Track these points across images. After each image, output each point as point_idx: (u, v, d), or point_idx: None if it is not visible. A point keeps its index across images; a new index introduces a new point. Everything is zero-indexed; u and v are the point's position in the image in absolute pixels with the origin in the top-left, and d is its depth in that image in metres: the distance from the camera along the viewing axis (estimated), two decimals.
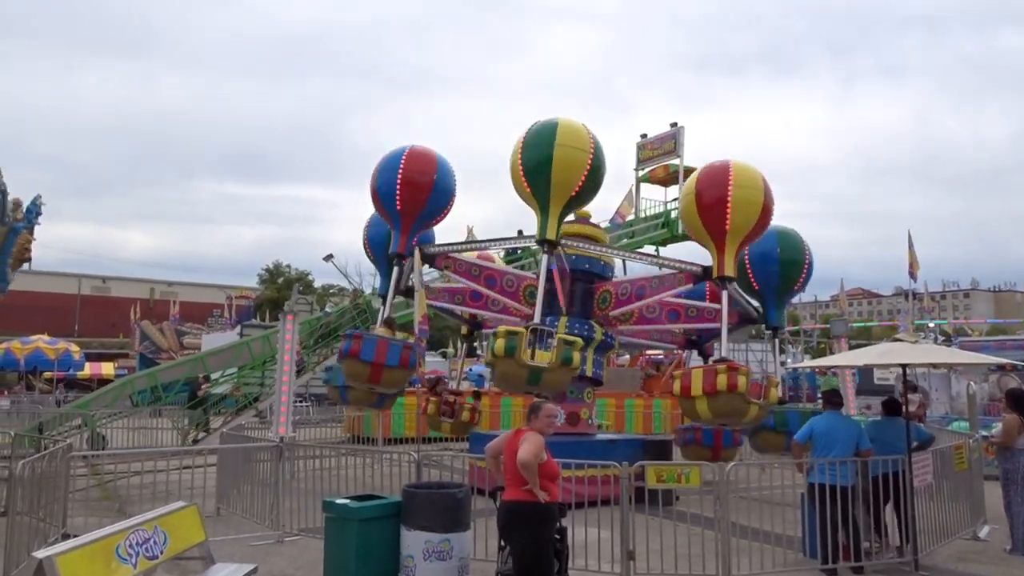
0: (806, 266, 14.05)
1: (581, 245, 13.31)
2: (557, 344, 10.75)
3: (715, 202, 11.53)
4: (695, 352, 15.74)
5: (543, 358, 10.59)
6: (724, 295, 11.86)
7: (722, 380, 10.42)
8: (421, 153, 13.06)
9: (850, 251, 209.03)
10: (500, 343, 10.53)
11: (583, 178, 11.83)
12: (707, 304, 13.94)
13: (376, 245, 14.85)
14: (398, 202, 12.80)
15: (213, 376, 21.05)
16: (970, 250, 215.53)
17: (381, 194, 12.97)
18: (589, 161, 11.83)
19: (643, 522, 7.88)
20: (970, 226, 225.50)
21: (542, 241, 12.18)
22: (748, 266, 13.76)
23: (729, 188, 11.49)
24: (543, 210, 12.09)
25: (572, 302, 13.41)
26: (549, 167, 11.66)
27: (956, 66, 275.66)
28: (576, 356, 10.91)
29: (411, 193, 12.77)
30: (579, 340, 11.35)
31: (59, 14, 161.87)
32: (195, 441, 17.49)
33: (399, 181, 12.73)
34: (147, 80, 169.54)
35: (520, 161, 12.00)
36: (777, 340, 14.40)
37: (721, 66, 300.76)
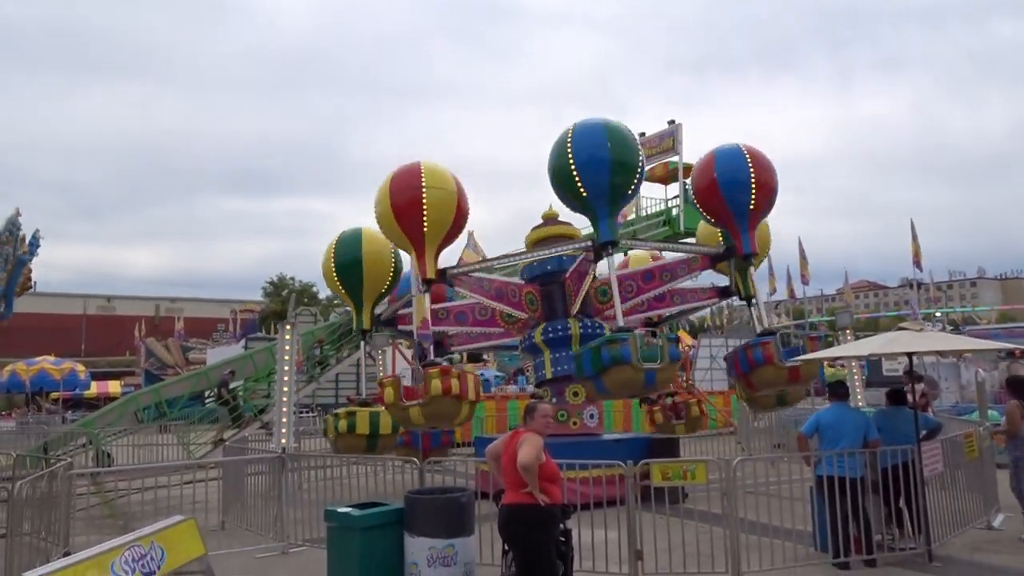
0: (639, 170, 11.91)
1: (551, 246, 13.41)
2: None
3: (409, 205, 11.91)
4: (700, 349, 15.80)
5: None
6: (426, 299, 12.42)
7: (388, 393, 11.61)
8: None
9: (855, 244, 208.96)
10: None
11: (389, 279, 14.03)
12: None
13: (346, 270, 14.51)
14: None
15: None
16: (975, 239, 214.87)
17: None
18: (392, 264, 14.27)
19: (651, 521, 7.78)
20: (974, 215, 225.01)
21: (361, 331, 14.60)
22: (574, 168, 11.70)
23: (423, 190, 11.85)
24: (357, 307, 14.32)
25: (574, 303, 13.42)
26: (360, 268, 13.94)
27: (954, 58, 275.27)
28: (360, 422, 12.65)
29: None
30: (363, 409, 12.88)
31: (60, 39, 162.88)
32: (222, 440, 17.56)
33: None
34: (149, 100, 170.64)
35: (332, 264, 14.13)
36: (611, 257, 12.31)
37: (719, 66, 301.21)
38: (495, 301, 13.74)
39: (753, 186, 12.62)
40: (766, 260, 15.69)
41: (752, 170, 12.64)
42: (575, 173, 11.55)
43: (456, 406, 11.18)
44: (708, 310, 27.66)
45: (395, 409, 11.47)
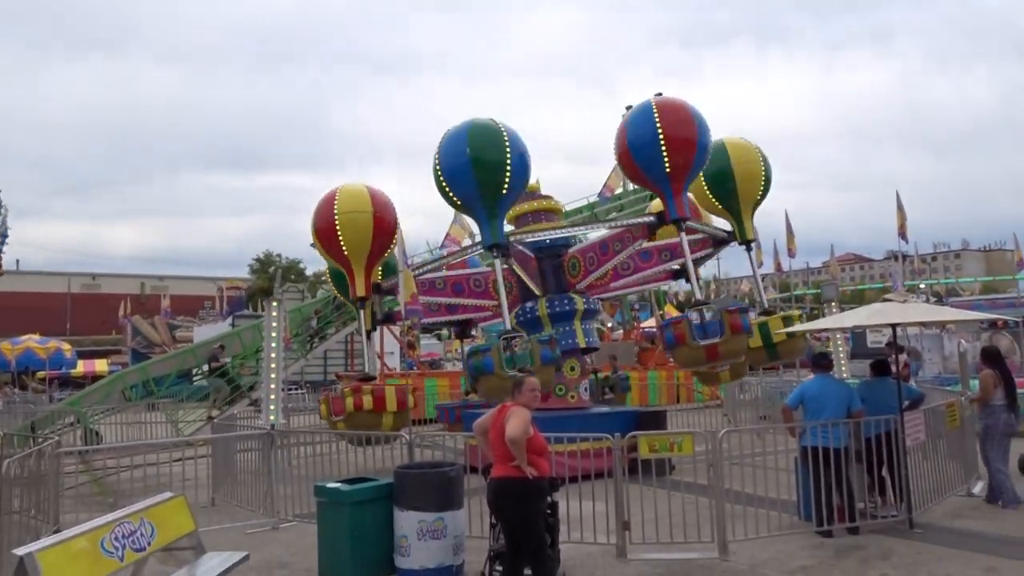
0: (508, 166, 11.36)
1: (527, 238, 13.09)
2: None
3: (327, 231, 12.61)
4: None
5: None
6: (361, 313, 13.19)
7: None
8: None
9: (841, 217, 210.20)
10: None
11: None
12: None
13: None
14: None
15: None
16: (960, 211, 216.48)
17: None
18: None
19: (638, 493, 7.86)
20: (959, 187, 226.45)
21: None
22: (442, 176, 11.61)
23: (335, 217, 12.53)
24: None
25: (545, 280, 13.36)
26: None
27: (941, 29, 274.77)
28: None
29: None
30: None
31: (37, 11, 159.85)
32: (211, 417, 17.69)
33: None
34: (129, 75, 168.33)
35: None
36: (499, 261, 12.05)
37: (707, 38, 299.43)
38: (452, 297, 13.83)
39: (663, 145, 11.35)
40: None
41: (660, 127, 11.35)
42: (444, 183, 11.57)
43: (376, 418, 11.88)
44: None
45: (328, 422, 12.45)
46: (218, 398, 18.81)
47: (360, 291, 12.82)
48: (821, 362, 9.04)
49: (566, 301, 12.72)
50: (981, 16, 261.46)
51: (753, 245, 13.95)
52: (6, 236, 13.96)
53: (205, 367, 20.50)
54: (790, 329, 11.32)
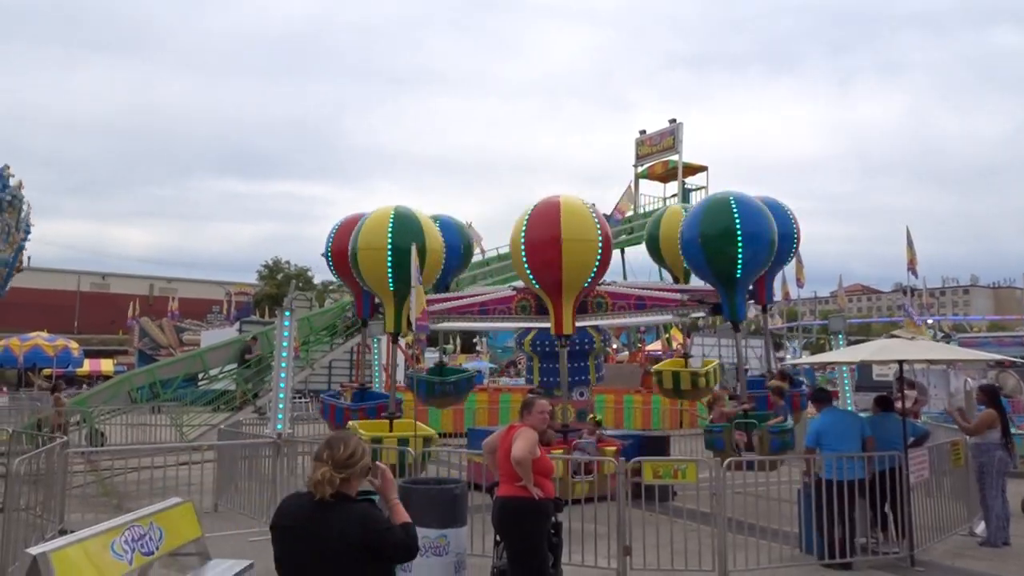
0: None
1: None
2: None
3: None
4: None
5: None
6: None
7: None
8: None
9: (850, 247, 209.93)
10: None
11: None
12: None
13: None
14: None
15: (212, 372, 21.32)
16: (969, 246, 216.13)
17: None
18: None
19: (640, 518, 7.90)
20: (969, 222, 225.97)
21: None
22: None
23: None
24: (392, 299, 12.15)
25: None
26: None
27: (953, 64, 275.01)
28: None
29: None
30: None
31: (58, 13, 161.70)
32: (244, 403, 18.43)
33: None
34: (146, 79, 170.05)
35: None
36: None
37: (720, 64, 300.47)
38: (478, 320, 13.77)
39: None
40: None
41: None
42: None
43: None
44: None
45: None
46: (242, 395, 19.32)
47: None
48: (822, 397, 9.09)
49: (587, 340, 12.60)
50: (992, 54, 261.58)
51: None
52: (28, 232, 14.16)
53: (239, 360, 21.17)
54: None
